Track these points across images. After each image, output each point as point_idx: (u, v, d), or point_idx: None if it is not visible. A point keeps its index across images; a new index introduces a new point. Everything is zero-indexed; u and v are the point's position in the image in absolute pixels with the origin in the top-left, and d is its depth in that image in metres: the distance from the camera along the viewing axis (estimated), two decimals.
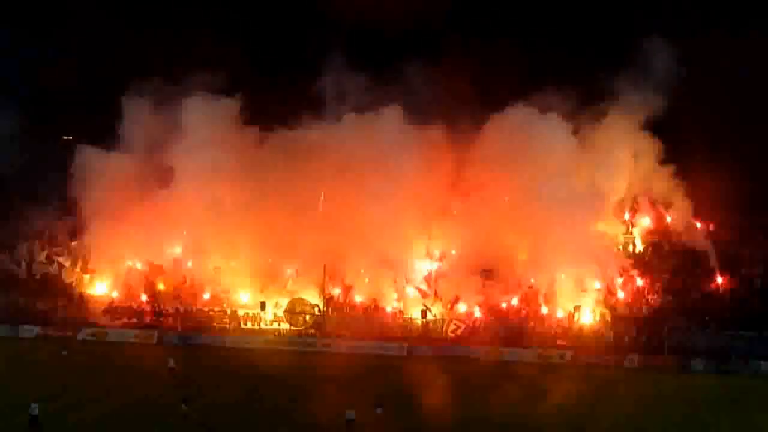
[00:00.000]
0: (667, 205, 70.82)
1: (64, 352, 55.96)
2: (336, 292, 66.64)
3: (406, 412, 44.18)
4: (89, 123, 72.39)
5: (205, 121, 69.30)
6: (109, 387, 49.11)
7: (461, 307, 64.22)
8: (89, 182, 69.93)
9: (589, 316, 63.19)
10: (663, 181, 69.67)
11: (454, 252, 67.87)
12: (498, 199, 65.35)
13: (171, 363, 52.01)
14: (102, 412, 43.75)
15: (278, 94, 70.99)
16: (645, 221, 71.40)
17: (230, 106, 70.38)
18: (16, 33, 76.72)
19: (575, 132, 67.89)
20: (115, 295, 68.59)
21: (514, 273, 64.77)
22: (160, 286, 68.65)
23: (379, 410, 42.49)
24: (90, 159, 70.75)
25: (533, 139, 65.59)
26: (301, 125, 70.16)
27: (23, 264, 71.13)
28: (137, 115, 71.33)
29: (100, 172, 70.02)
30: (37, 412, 39.41)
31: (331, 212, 67.11)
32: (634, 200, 71.48)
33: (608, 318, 62.44)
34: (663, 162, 69.02)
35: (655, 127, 68.93)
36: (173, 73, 70.87)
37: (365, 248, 65.85)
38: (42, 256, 71.77)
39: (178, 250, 72.03)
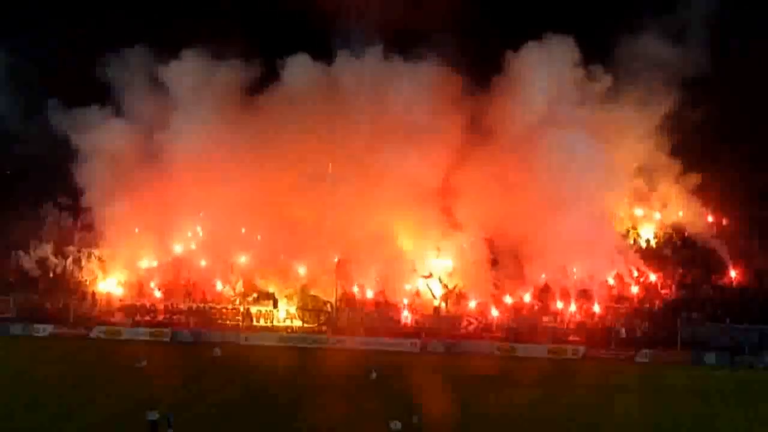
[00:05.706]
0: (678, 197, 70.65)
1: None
2: (349, 288, 66.44)
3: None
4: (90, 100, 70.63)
5: (200, 88, 67.99)
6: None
7: (473, 303, 64.10)
8: (95, 167, 68.63)
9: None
10: (673, 173, 69.45)
11: (465, 246, 66.49)
12: (511, 176, 62.21)
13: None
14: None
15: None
16: (656, 216, 71.21)
17: (231, 70, 69.00)
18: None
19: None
20: (125, 293, 68.74)
21: (527, 266, 63.93)
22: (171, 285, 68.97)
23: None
24: (92, 134, 68.74)
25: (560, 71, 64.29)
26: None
27: (36, 262, 71.15)
28: (136, 87, 69.71)
29: (103, 148, 68.53)
30: (155, 417, 41.22)
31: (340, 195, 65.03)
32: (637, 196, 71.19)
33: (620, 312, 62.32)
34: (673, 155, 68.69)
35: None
36: (172, 41, 69.42)
37: (377, 241, 64.77)
38: (54, 255, 71.83)
39: (190, 246, 72.41)
